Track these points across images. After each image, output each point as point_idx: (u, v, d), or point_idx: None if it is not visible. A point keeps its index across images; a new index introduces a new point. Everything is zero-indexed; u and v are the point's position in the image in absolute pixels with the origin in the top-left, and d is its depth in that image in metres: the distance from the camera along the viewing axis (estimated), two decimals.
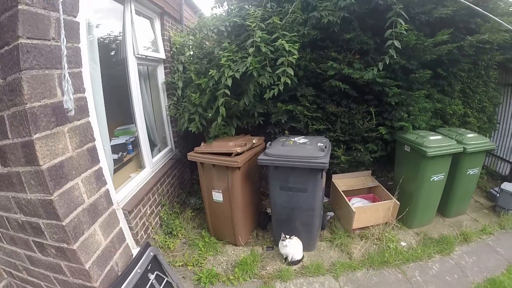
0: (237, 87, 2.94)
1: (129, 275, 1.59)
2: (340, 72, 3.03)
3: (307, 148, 2.57)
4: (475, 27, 3.28)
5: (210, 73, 2.80)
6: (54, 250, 1.40)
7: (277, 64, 2.66)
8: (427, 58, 3.12)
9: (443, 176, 3.00)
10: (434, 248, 2.84)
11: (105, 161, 2.33)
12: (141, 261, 1.70)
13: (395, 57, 2.75)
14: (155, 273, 1.76)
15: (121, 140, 3.31)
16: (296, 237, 2.67)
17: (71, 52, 1.33)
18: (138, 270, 1.64)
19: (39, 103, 1.16)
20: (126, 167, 3.15)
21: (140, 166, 3.27)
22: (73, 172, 1.34)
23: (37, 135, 1.16)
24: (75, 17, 1.35)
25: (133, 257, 1.74)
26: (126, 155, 3.27)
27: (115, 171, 2.88)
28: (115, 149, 3.16)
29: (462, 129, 3.39)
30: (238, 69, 2.63)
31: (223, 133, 3.13)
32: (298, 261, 2.71)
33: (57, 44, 1.23)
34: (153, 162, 3.33)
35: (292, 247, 2.60)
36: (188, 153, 2.82)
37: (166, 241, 2.99)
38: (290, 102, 3.29)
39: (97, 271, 1.46)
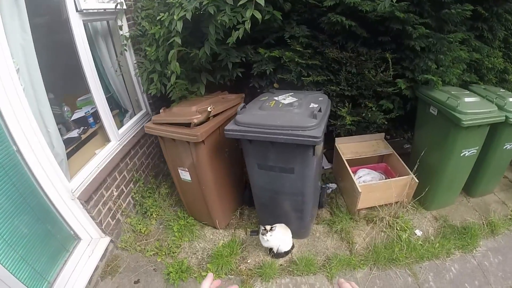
0: (203, 35, 2.20)
1: None
2: (343, 2, 2.15)
3: (292, 113, 1.88)
4: None
5: (159, 17, 2.08)
6: None
7: None
8: None
9: (475, 151, 2.26)
10: (454, 242, 2.27)
11: (48, 148, 1.92)
12: None
13: None
14: None
15: (83, 112, 2.81)
16: (282, 225, 2.14)
17: None
18: None
19: None
20: (88, 144, 2.69)
21: (107, 140, 2.78)
22: None
23: None
24: None
25: None
26: (88, 129, 2.78)
27: (75, 151, 2.49)
28: (77, 123, 2.77)
29: (502, 90, 2.53)
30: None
31: (192, 93, 2.47)
32: (286, 253, 2.22)
33: None
34: (119, 134, 2.79)
35: (276, 239, 2.06)
36: (145, 125, 2.23)
37: (138, 225, 2.59)
38: (277, 47, 2.48)
39: None
